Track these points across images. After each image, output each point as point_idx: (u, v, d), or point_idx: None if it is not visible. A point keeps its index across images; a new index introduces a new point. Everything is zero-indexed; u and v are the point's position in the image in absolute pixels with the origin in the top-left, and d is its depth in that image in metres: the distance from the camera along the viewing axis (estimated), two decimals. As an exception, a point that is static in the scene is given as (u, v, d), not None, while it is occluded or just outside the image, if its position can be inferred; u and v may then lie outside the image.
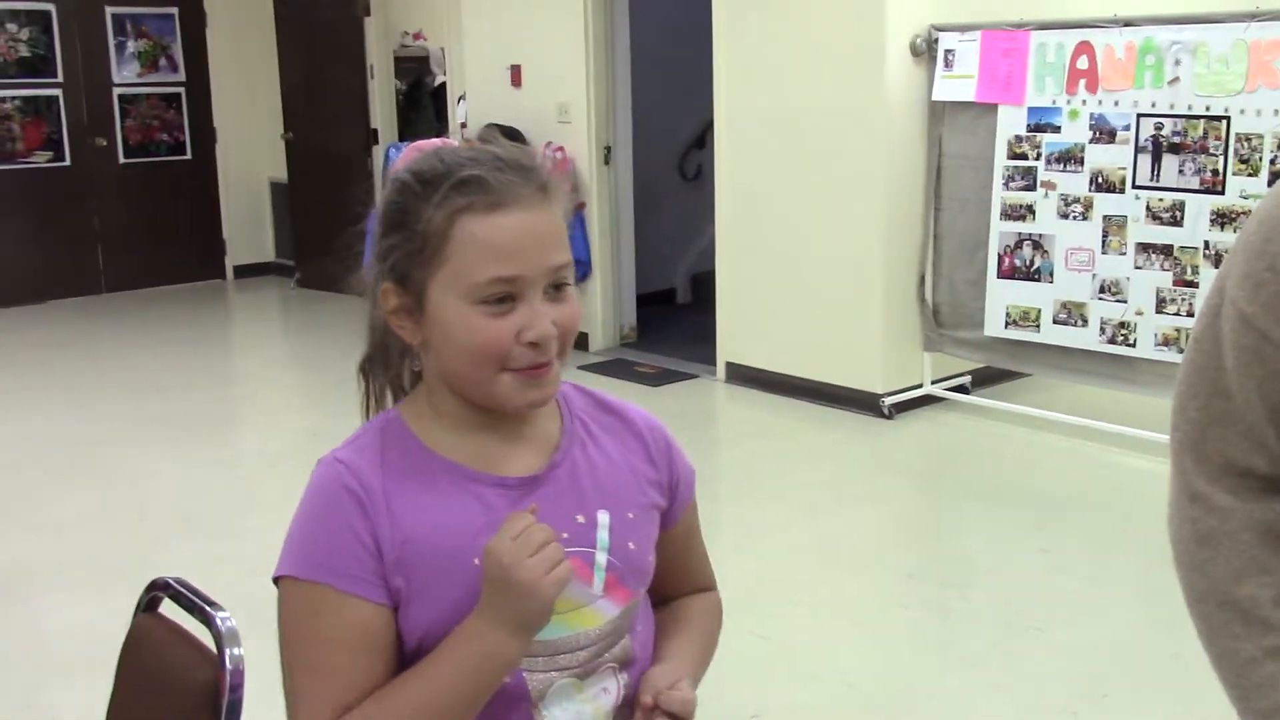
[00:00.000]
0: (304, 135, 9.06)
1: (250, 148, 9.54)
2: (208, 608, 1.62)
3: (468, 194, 1.19)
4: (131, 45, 9.05)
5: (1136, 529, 4.35)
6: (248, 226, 9.77)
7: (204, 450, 5.54)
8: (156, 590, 1.73)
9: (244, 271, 9.79)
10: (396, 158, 7.23)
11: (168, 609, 1.73)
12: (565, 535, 1.22)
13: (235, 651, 1.55)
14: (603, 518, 1.28)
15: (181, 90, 9.31)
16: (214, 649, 1.59)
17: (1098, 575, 4.00)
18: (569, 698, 1.26)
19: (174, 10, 9.17)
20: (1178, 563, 1.25)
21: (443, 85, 8.80)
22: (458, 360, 1.22)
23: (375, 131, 8.71)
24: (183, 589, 1.69)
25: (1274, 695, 1.17)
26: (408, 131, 8.81)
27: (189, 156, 9.43)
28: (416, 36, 9.02)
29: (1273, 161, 4.53)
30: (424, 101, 9.14)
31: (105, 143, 9.04)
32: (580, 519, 1.27)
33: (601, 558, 1.27)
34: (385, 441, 1.26)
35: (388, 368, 1.36)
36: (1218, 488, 1.21)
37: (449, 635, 1.19)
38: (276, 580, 1.24)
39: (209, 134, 9.45)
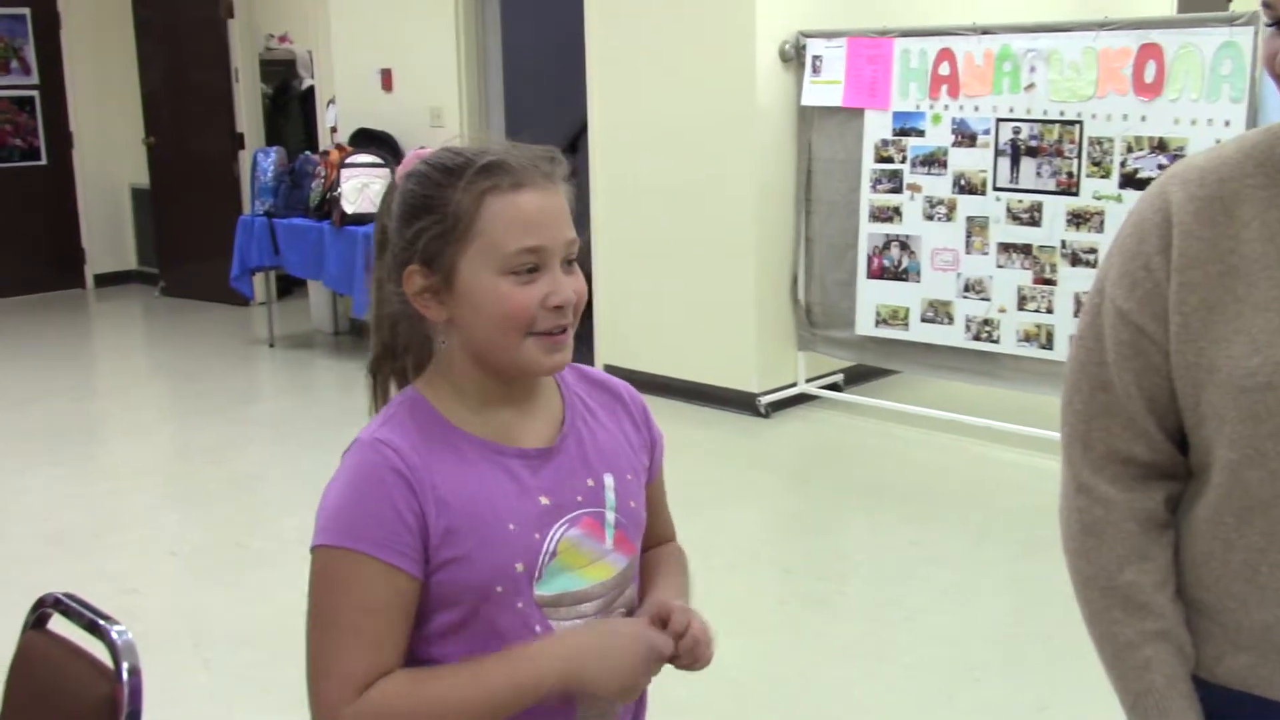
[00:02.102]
0: (167, 140, 8.85)
1: (109, 152, 9.28)
2: (101, 621, 1.61)
3: (492, 176, 1.29)
4: (-19, 47, 8.75)
5: (1004, 519, 4.52)
6: (108, 234, 9.51)
7: (70, 464, 5.38)
8: (45, 606, 1.70)
9: (105, 280, 9.52)
10: (266, 163, 7.12)
11: (54, 625, 1.70)
12: (580, 498, 1.37)
13: (132, 663, 1.54)
14: (609, 480, 1.40)
15: (35, 93, 9.02)
16: (108, 663, 1.58)
17: (968, 564, 4.14)
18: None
19: (25, 11, 8.87)
20: (1065, 550, 1.33)
21: (311, 89, 8.68)
22: (488, 328, 1.31)
23: (241, 136, 8.54)
24: (73, 603, 1.66)
25: (1149, 677, 1.25)
26: (275, 136, 8.67)
27: (44, 162, 9.13)
28: (282, 39, 8.88)
29: (1123, 164, 4.75)
30: (291, 106, 9.00)
31: (-46, 148, 8.72)
32: (590, 482, 1.39)
33: (610, 516, 1.39)
34: (416, 420, 1.33)
35: (394, 363, 1.43)
36: (1102, 478, 1.29)
37: (516, 649, 1.29)
38: (315, 549, 1.30)
39: (65, 138, 9.17)
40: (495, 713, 1.28)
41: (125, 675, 1.53)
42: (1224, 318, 1.20)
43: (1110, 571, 1.28)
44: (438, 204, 1.30)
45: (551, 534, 1.33)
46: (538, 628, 1.32)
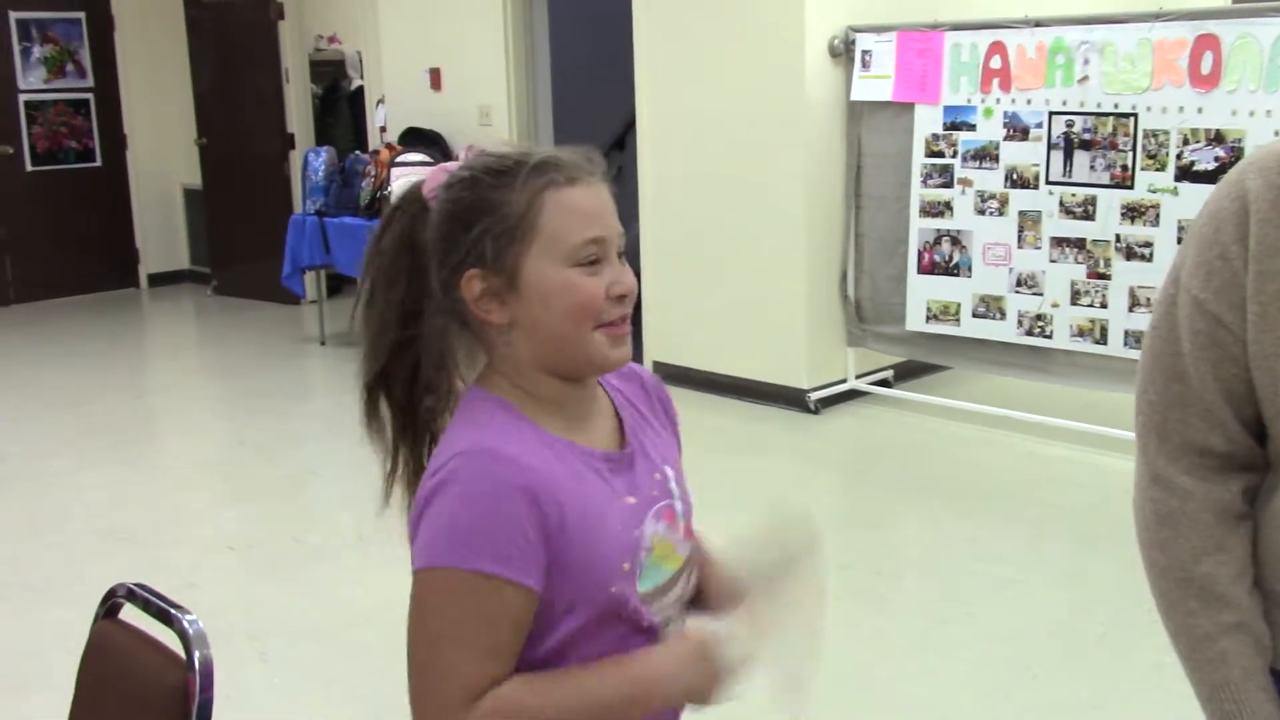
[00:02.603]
0: (218, 140, 8.95)
1: (162, 153, 9.39)
2: (173, 610, 1.63)
3: (547, 173, 1.30)
4: (37, 51, 8.87)
5: (1059, 515, 4.48)
6: (161, 234, 9.62)
7: (128, 462, 5.46)
8: (116, 596, 1.73)
9: (158, 280, 9.63)
10: (318, 163, 7.19)
11: (125, 615, 1.73)
12: (655, 492, 1.39)
13: (203, 652, 1.56)
14: (669, 471, 1.43)
15: (90, 96, 9.15)
16: (178, 652, 1.60)
17: (1023, 561, 4.11)
18: (673, 623, 1.40)
19: (81, 15, 9.01)
20: (1140, 541, 1.32)
21: (359, 89, 8.75)
22: (559, 321, 1.30)
23: (291, 136, 8.63)
24: (145, 593, 1.69)
25: (1225, 670, 1.24)
26: (324, 136, 8.75)
27: (99, 163, 9.26)
28: (331, 40, 8.95)
29: (1179, 157, 4.69)
30: (340, 106, 9.07)
31: (11, 150, 8.85)
32: (657, 476, 1.41)
33: (679, 506, 1.42)
34: (511, 424, 1.32)
35: (419, 384, 1.39)
36: (1178, 469, 1.28)
37: (625, 666, 1.31)
38: (433, 568, 1.26)
39: (119, 140, 9.29)
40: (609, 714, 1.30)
41: (197, 664, 1.55)
42: None
43: (1186, 563, 1.26)
44: (494, 205, 1.30)
45: (644, 530, 1.35)
46: (646, 623, 1.34)
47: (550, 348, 1.32)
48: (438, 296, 1.34)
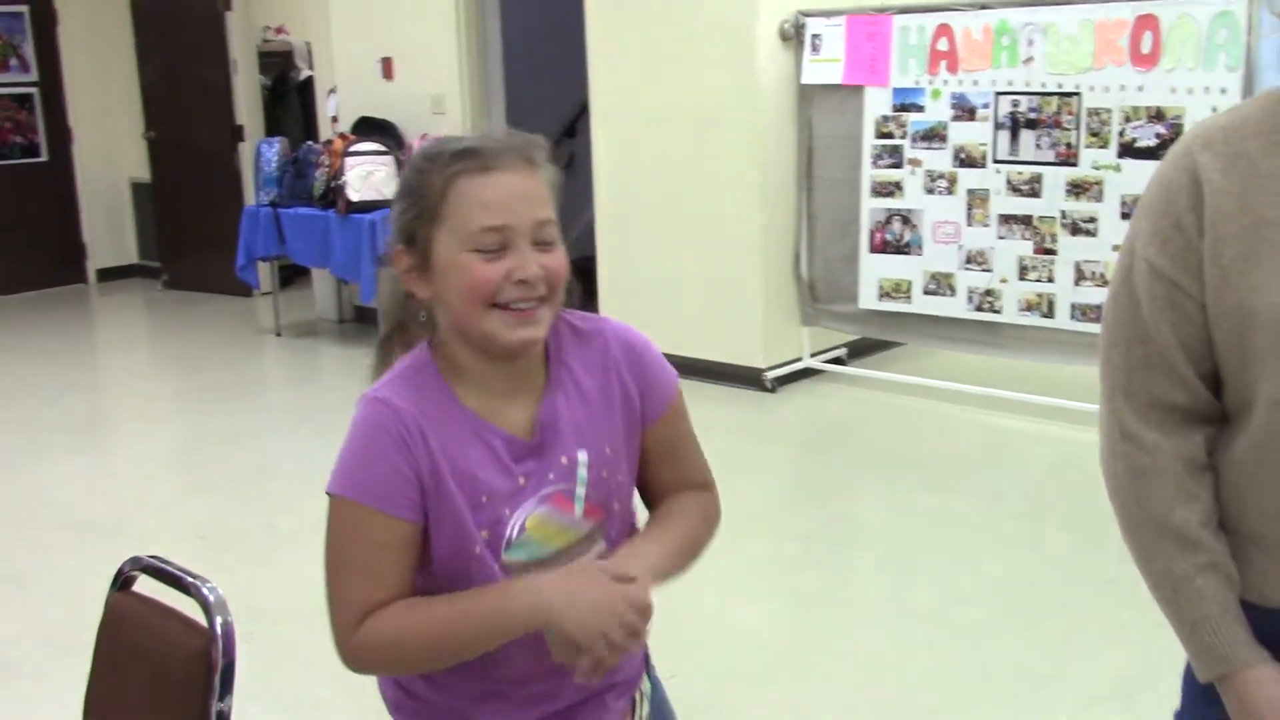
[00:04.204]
0: (167, 133, 8.90)
1: (109, 147, 9.32)
2: (190, 579, 1.69)
3: (462, 161, 1.41)
4: (-21, 45, 8.78)
5: (1011, 483, 4.63)
6: (109, 228, 9.56)
7: (91, 455, 5.46)
8: (135, 569, 1.79)
9: (107, 275, 9.57)
10: (270, 154, 7.19)
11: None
12: (552, 476, 1.47)
13: (225, 618, 1.63)
14: (582, 457, 1.49)
15: (34, 90, 9.06)
16: (196, 619, 1.66)
17: (978, 528, 4.24)
18: None
19: (24, 9, 8.90)
20: (1113, 495, 1.42)
21: (308, 80, 8.74)
22: (457, 300, 1.42)
23: (240, 128, 8.60)
24: (161, 564, 1.75)
25: (1204, 605, 1.35)
26: (274, 127, 8.73)
27: (44, 158, 9.17)
28: (279, 31, 8.93)
29: (1121, 134, 4.84)
30: (289, 96, 9.05)
31: (-45, 146, 8.76)
32: (564, 460, 1.48)
33: (581, 490, 1.49)
34: (420, 381, 1.46)
35: (406, 344, 1.54)
36: (1146, 425, 1.38)
37: (497, 586, 1.42)
38: (328, 494, 1.45)
39: (65, 134, 9.21)
40: (476, 640, 1.42)
41: (219, 629, 1.62)
42: (1261, 265, 1.28)
43: (1161, 513, 1.37)
44: (417, 188, 1.43)
45: (520, 512, 1.45)
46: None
47: (458, 322, 1.44)
48: (387, 274, 1.51)
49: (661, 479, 1.61)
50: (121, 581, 1.81)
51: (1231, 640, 1.33)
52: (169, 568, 1.74)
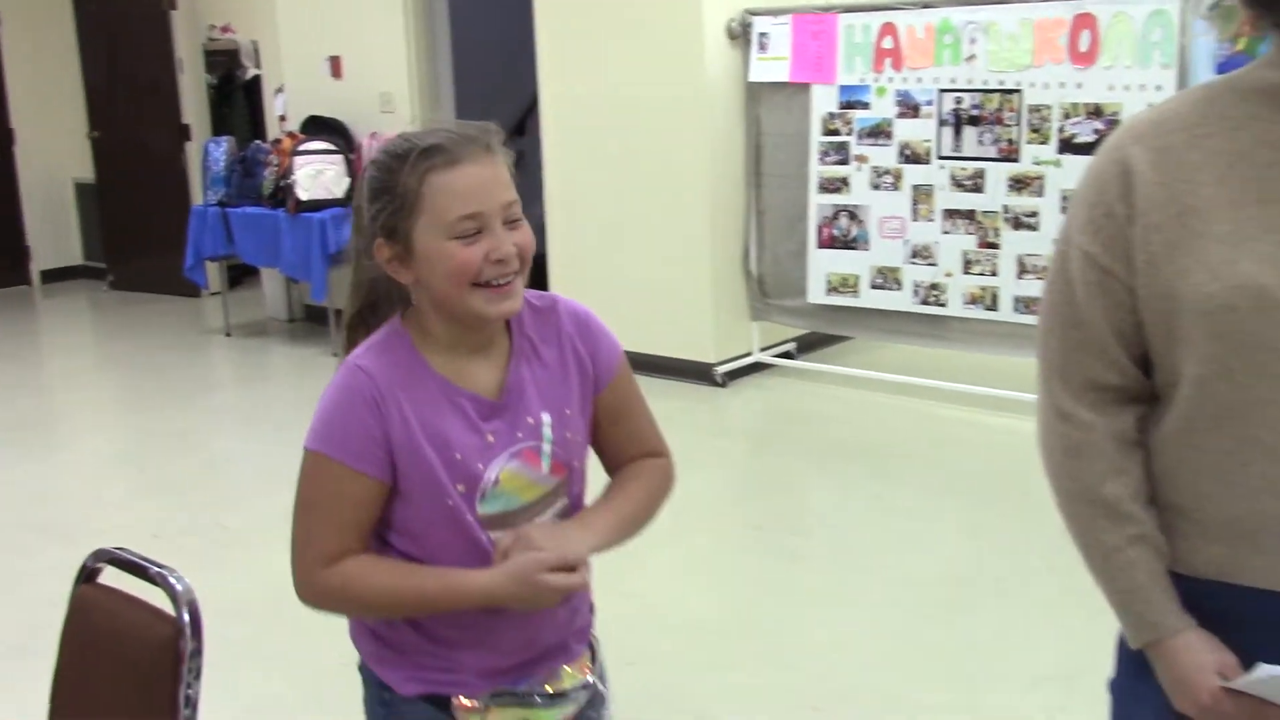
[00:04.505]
0: (112, 133, 8.83)
1: (52, 148, 9.22)
2: (155, 568, 1.72)
3: (431, 157, 1.52)
4: (-83, 44, 8.66)
5: (956, 472, 4.73)
6: (53, 229, 9.45)
7: (42, 457, 5.43)
8: (99, 561, 1.81)
9: (51, 276, 9.47)
10: (218, 153, 7.16)
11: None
12: (520, 434, 1.61)
13: (192, 606, 1.66)
14: (546, 418, 1.64)
15: (-26, 90, 8.96)
16: (162, 608, 1.69)
17: (924, 515, 4.34)
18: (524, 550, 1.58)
19: (-37, 8, 8.81)
20: (1049, 471, 1.49)
21: (256, 78, 8.70)
22: (443, 284, 1.55)
23: (187, 127, 8.55)
24: (127, 555, 1.78)
25: (1134, 575, 1.42)
26: (220, 126, 8.68)
27: (-15, 159, 9.08)
28: (224, 30, 8.87)
29: (1061, 130, 4.95)
30: (236, 95, 9.00)
31: (-107, 147, 8.64)
32: (530, 420, 1.63)
33: (546, 448, 1.64)
34: (394, 350, 1.60)
35: (377, 317, 1.66)
36: (1081, 405, 1.45)
37: (469, 572, 1.56)
38: (305, 448, 1.58)
39: (6, 135, 9.10)
40: (427, 610, 1.59)
41: (187, 616, 1.65)
42: (1185, 252, 1.36)
43: (1093, 487, 1.44)
44: (391, 186, 1.54)
45: (493, 466, 1.59)
46: (481, 538, 1.59)
47: (441, 302, 1.58)
48: (365, 257, 1.61)
49: (618, 444, 1.75)
50: (87, 574, 1.83)
51: (1160, 609, 1.40)
52: (135, 559, 1.77)
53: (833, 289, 5.71)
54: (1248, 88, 1.39)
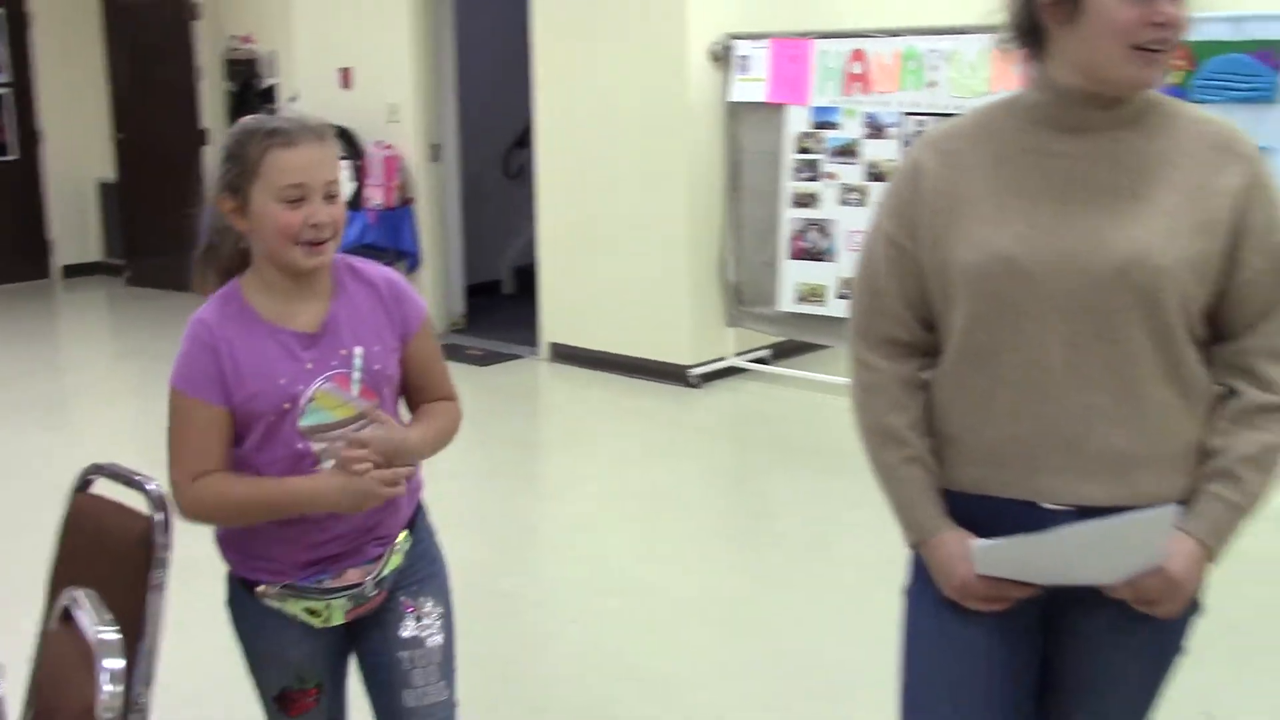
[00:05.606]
0: (134, 135, 9.24)
1: (77, 148, 9.64)
2: (137, 477, 2.07)
3: (274, 136, 1.93)
4: (-47, 46, 9.09)
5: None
6: (75, 226, 9.86)
7: (61, 430, 5.79)
8: (91, 474, 2.16)
9: (71, 271, 9.88)
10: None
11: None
12: (334, 363, 2.00)
13: (164, 509, 2.01)
14: (358, 350, 2.02)
15: (6, 91, 9.38)
16: (141, 510, 2.04)
17: (882, 507, 4.60)
18: (338, 456, 1.97)
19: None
20: (852, 407, 1.84)
21: (272, 86, 9.10)
22: (270, 237, 1.95)
23: (205, 131, 8.96)
24: (115, 468, 2.13)
25: (908, 488, 1.78)
26: (238, 132, 9.05)
27: (14, 157, 9.48)
28: (245, 40, 9.28)
29: (1014, 153, 5.28)
30: (253, 103, 9.39)
31: (-74, 143, 9.05)
32: (343, 352, 2.01)
33: (356, 375, 2.01)
34: (227, 305, 2.01)
35: (219, 257, 2.09)
36: (876, 355, 1.81)
37: (302, 479, 1.95)
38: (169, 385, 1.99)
39: (34, 135, 9.53)
40: (277, 513, 1.96)
41: (157, 517, 2.00)
42: (958, 231, 1.71)
43: (879, 417, 1.80)
44: (239, 154, 1.93)
45: (312, 387, 1.96)
46: (300, 445, 1.97)
47: (270, 253, 1.97)
48: (213, 205, 2.00)
49: (420, 388, 2.14)
50: (82, 483, 2.18)
51: (926, 513, 1.75)
52: (122, 471, 2.11)
53: (802, 298, 6.04)
54: (1016, 105, 1.75)
